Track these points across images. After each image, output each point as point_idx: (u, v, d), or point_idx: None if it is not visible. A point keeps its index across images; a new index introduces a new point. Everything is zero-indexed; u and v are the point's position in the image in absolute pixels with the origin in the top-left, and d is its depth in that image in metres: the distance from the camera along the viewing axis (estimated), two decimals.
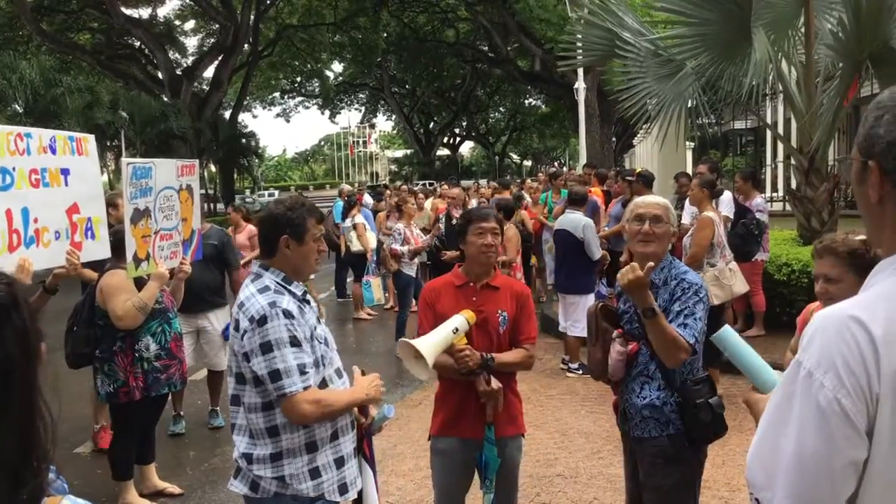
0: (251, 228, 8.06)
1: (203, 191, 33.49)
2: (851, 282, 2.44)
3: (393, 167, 77.63)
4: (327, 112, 53.42)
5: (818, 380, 1.11)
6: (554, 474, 4.84)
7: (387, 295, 11.25)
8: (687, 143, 13.56)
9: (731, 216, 7.12)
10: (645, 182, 8.47)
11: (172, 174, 4.48)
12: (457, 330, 3.01)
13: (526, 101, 48.92)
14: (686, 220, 7.00)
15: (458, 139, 61.17)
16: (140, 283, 4.36)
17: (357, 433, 2.83)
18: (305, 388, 2.50)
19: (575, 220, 7.21)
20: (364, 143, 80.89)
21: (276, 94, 49.67)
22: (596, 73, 21.08)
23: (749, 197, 7.77)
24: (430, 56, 39.65)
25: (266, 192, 53.51)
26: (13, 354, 1.01)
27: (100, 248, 4.12)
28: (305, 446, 2.60)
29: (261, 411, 2.57)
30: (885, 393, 1.09)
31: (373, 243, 10.36)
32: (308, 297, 2.75)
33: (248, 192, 53.88)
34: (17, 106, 20.71)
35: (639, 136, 17.76)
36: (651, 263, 2.81)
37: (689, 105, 8.14)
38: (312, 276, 6.93)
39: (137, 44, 34.04)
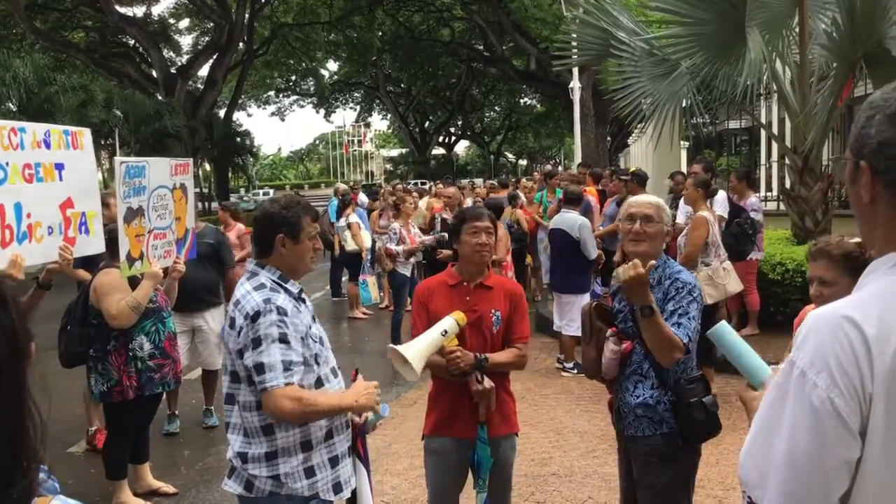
0: (240, 227, 8.05)
1: (198, 189, 33.39)
2: (846, 285, 2.44)
3: (388, 166, 77.54)
4: (322, 111, 53.35)
5: (811, 379, 1.12)
6: (549, 473, 4.84)
7: (382, 294, 11.25)
8: (682, 142, 13.56)
9: (726, 215, 7.14)
10: (639, 181, 8.49)
11: (166, 173, 4.47)
12: (445, 332, 3.00)
13: (521, 101, 48.91)
14: (681, 219, 7.01)
15: (453, 138, 61.14)
16: (134, 282, 4.35)
17: (351, 432, 2.84)
18: (287, 385, 2.48)
19: (571, 219, 7.22)
20: (359, 142, 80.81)
21: (271, 93, 49.57)
22: (591, 72, 21.12)
23: (743, 196, 7.79)
24: (425, 55, 39.62)
25: (261, 191, 53.44)
26: (1, 354, 1.01)
27: (93, 243, 4.10)
28: (300, 445, 2.60)
29: (255, 410, 2.57)
30: (878, 393, 1.09)
31: (368, 242, 10.36)
32: (303, 295, 2.75)
33: (242, 190, 53.80)
34: (10, 104, 20.62)
35: (634, 135, 17.78)
36: (653, 262, 2.82)
37: (684, 105, 8.15)
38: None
39: (132, 42, 33.96)
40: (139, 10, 33.35)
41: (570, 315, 7.09)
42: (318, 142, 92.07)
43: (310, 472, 2.61)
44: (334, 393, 2.69)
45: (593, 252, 7.18)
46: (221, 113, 37.68)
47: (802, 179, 7.95)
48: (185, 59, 35.90)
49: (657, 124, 8.09)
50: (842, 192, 11.31)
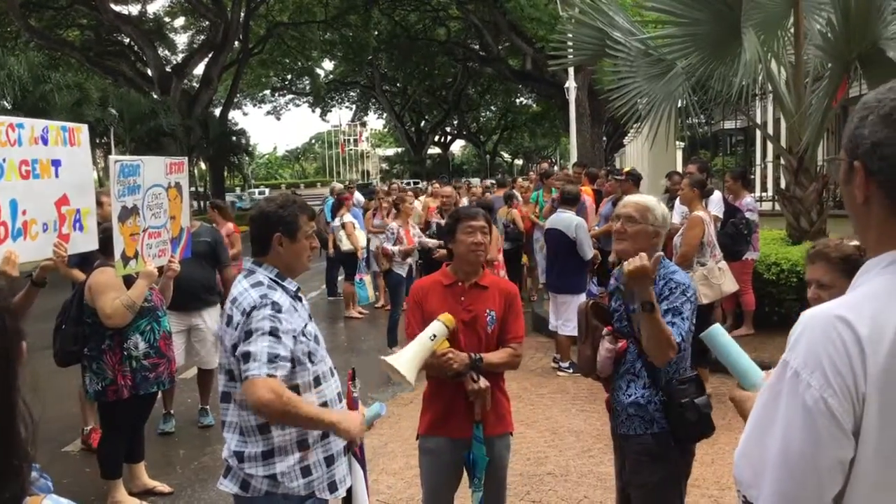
0: (229, 226, 8.04)
1: (193, 188, 33.40)
2: (844, 288, 2.42)
3: (384, 165, 77.54)
4: (318, 110, 53.39)
5: (805, 379, 1.12)
6: (544, 473, 4.85)
7: (377, 293, 11.25)
8: (677, 142, 13.59)
9: (721, 215, 7.15)
10: (634, 181, 8.51)
11: (161, 172, 4.46)
12: (434, 336, 3.00)
13: (517, 100, 48.93)
14: (676, 219, 7.02)
15: (449, 138, 61.17)
16: (129, 281, 4.34)
17: None
18: (269, 376, 2.45)
19: (567, 219, 7.22)
20: (355, 141, 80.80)
21: (267, 92, 49.56)
22: (587, 72, 21.12)
23: (739, 196, 7.80)
24: (421, 54, 39.61)
25: (256, 190, 53.38)
26: None
27: (87, 240, 4.08)
28: (297, 444, 2.60)
29: (252, 408, 2.56)
30: (871, 393, 1.09)
31: (362, 241, 10.35)
32: (300, 294, 2.75)
33: (238, 189, 53.74)
34: (5, 102, 20.58)
35: (629, 135, 17.81)
36: (660, 253, 2.85)
37: (679, 105, 8.17)
38: None
39: (127, 40, 33.89)
40: (134, 9, 33.32)
41: (566, 315, 7.10)
42: (313, 141, 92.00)
43: (306, 471, 2.61)
44: (320, 409, 2.61)
45: (589, 252, 7.19)
46: (217, 112, 37.64)
47: (797, 180, 7.97)
48: (180, 57, 35.84)
49: (653, 124, 8.10)
50: (836, 193, 11.33)
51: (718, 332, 2.03)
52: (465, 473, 3.26)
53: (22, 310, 3.85)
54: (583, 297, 6.89)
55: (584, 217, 8.01)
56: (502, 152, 67.95)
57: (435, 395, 3.24)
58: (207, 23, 33.10)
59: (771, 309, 7.41)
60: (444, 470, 3.25)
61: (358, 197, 13.96)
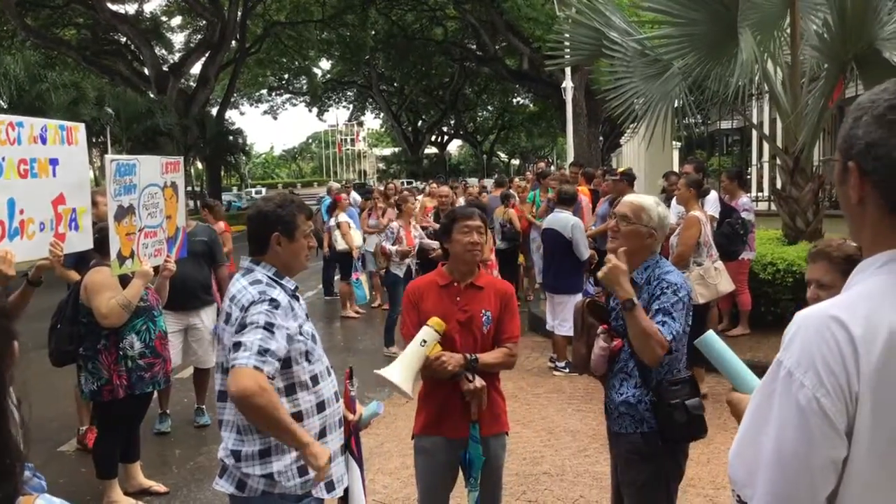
0: (220, 225, 8.04)
1: (189, 188, 33.36)
2: None
3: (381, 165, 77.52)
4: (315, 109, 53.40)
5: (798, 379, 1.12)
6: (540, 472, 4.85)
7: (374, 293, 11.24)
8: (673, 142, 13.61)
9: (717, 215, 7.17)
10: (628, 181, 8.53)
11: (157, 171, 4.46)
12: (424, 342, 3.00)
13: (514, 100, 48.97)
14: (673, 219, 7.02)
15: (445, 137, 61.17)
16: (125, 280, 4.34)
17: (345, 430, 2.83)
18: (256, 368, 2.42)
19: (563, 219, 7.22)
20: (352, 140, 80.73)
21: (264, 92, 49.49)
22: (583, 72, 21.13)
23: (735, 196, 7.82)
24: (418, 54, 39.62)
25: (253, 190, 53.35)
26: None
27: (83, 240, 4.07)
28: None
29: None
30: (864, 392, 1.10)
31: (358, 241, 10.35)
32: (298, 293, 2.74)
33: (235, 189, 53.71)
34: (1, 102, 20.53)
35: (626, 135, 17.82)
36: (624, 248, 2.86)
37: (676, 105, 8.17)
38: None
39: (123, 40, 33.83)
40: (131, 8, 33.29)
41: (562, 315, 7.11)
42: (310, 140, 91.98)
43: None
44: (300, 427, 2.53)
45: (585, 252, 7.19)
46: (214, 111, 37.62)
47: (793, 180, 7.98)
48: (177, 56, 35.81)
49: (649, 124, 8.12)
50: (832, 193, 11.36)
51: (713, 339, 2.02)
52: (460, 473, 3.26)
53: (17, 309, 3.85)
54: (579, 297, 6.90)
55: (579, 217, 8.02)
56: (499, 152, 67.98)
57: (430, 395, 3.23)
58: (204, 22, 33.06)
59: (767, 309, 7.42)
60: (439, 470, 3.25)
61: (355, 196, 13.96)
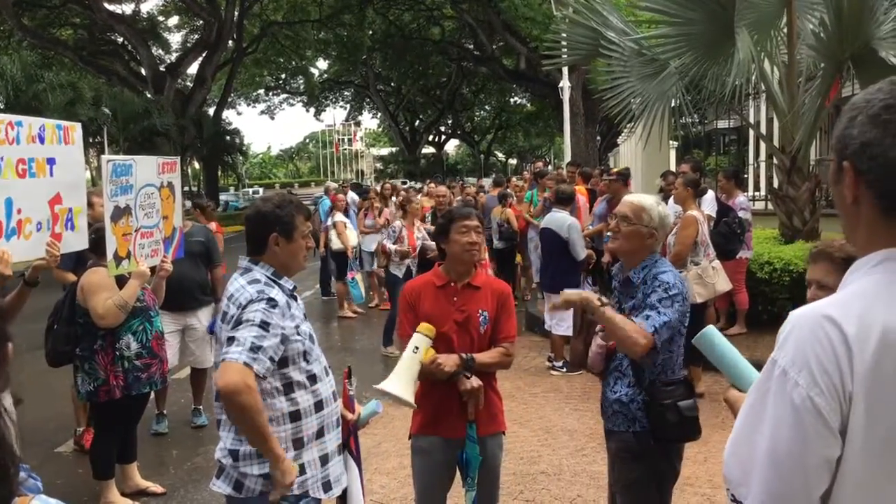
0: (212, 226, 8.02)
1: (187, 188, 33.33)
2: None
3: (378, 165, 77.43)
4: (312, 109, 53.31)
5: (792, 378, 1.13)
6: (538, 472, 4.85)
7: (371, 293, 11.24)
8: (671, 142, 13.60)
9: (714, 215, 7.17)
10: (623, 181, 8.54)
11: (153, 171, 4.45)
12: (417, 349, 3.00)
13: (511, 100, 48.97)
14: (670, 218, 7.03)
15: (443, 137, 61.15)
16: (121, 281, 4.33)
17: (343, 429, 2.83)
18: (246, 364, 2.41)
19: (560, 219, 7.22)
20: (349, 140, 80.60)
21: (261, 91, 49.48)
22: (581, 72, 21.16)
23: (732, 196, 7.83)
24: (415, 54, 39.61)
25: (251, 190, 53.31)
26: None
27: (78, 239, 4.06)
28: (292, 442, 2.59)
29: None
30: (858, 392, 1.10)
31: (353, 241, 10.34)
32: (296, 292, 2.74)
33: (232, 189, 53.67)
34: None
35: (623, 134, 17.83)
36: (561, 297, 2.96)
37: (673, 104, 8.18)
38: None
39: (120, 40, 33.83)
40: (128, 8, 33.28)
41: (559, 314, 7.10)
42: (308, 140, 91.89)
43: (301, 470, 2.60)
44: (276, 440, 2.51)
45: (582, 252, 7.18)
46: (211, 111, 37.62)
47: (790, 179, 8.00)
48: (174, 56, 35.82)
49: (646, 124, 8.12)
50: (829, 192, 11.39)
51: (712, 334, 1.98)
52: (457, 473, 3.26)
53: (14, 309, 3.84)
54: None
55: (576, 216, 8.03)
56: (496, 152, 67.99)
57: (427, 395, 3.23)
58: (201, 22, 33.03)
59: (763, 308, 7.43)
60: (436, 470, 3.25)
61: (352, 196, 13.95)
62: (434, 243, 8.30)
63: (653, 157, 12.88)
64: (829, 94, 7.52)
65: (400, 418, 5.75)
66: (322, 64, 46.84)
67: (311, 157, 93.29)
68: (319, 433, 2.66)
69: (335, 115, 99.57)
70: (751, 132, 18.00)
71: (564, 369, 7.04)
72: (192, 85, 33.97)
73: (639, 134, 8.74)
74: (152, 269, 4.52)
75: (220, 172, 41.98)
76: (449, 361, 3.04)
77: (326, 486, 2.69)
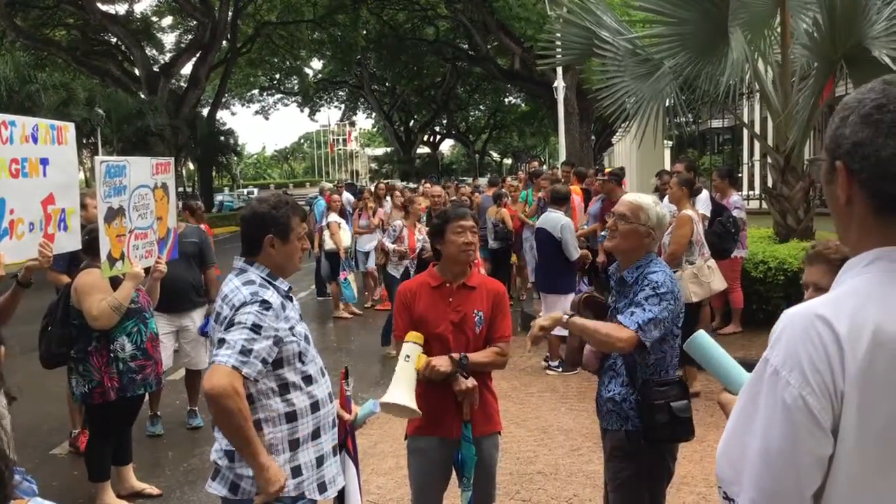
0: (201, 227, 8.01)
1: (181, 189, 33.27)
2: None
3: (373, 165, 77.37)
4: (307, 110, 53.24)
5: (784, 377, 1.13)
6: (534, 471, 4.86)
7: (366, 293, 11.24)
8: (665, 141, 13.64)
9: (708, 214, 7.19)
10: (616, 181, 8.56)
11: (147, 172, 4.44)
12: (409, 357, 3.01)
13: (506, 100, 48.95)
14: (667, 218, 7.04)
15: (438, 137, 61.10)
16: (115, 282, 4.32)
17: (340, 429, 2.83)
18: (235, 368, 2.41)
19: (554, 219, 7.22)
20: (344, 140, 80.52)
21: (255, 92, 49.41)
22: (575, 71, 21.14)
23: (726, 195, 7.85)
24: (409, 54, 39.54)
25: (245, 190, 53.21)
26: None
27: (71, 240, 4.05)
28: (288, 443, 2.59)
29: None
30: (849, 391, 1.10)
31: (346, 242, 10.33)
32: (291, 293, 2.73)
33: (226, 189, 53.57)
34: None
35: (617, 134, 17.86)
36: (533, 332, 3.00)
37: (667, 104, 8.19)
38: None
39: (114, 40, 33.73)
40: (121, 8, 33.16)
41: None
42: (302, 140, 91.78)
43: (296, 472, 2.59)
44: (263, 448, 2.50)
45: (574, 253, 7.15)
46: (205, 111, 37.50)
47: (784, 178, 8.02)
48: (167, 57, 35.71)
49: (640, 123, 8.13)
50: (822, 191, 11.42)
51: (702, 339, 1.96)
52: (454, 473, 3.26)
53: (7, 311, 3.83)
54: (571, 297, 6.91)
55: (570, 216, 8.04)
56: (491, 152, 67.94)
57: (423, 395, 3.22)
58: (195, 22, 32.96)
59: (758, 306, 7.45)
60: (432, 470, 3.25)
61: (347, 197, 13.94)
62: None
63: (647, 157, 12.93)
64: (822, 93, 7.55)
65: (395, 419, 5.74)
66: (316, 64, 46.85)
67: (305, 158, 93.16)
68: (315, 434, 2.66)
69: (330, 115, 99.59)
70: (745, 131, 18.06)
71: (560, 369, 7.05)
72: (185, 85, 33.86)
73: (633, 133, 8.76)
74: (146, 270, 4.51)
75: (214, 173, 41.89)
76: (443, 363, 3.04)
77: (322, 488, 2.69)
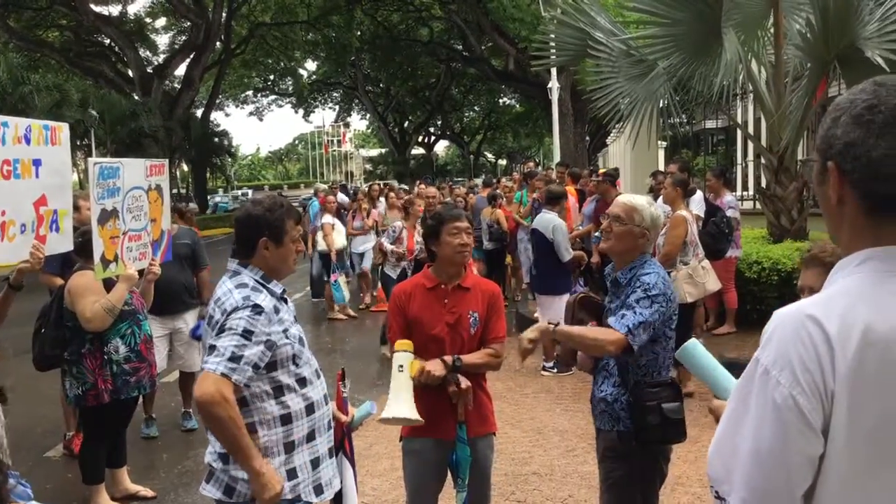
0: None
1: (175, 190, 33.19)
2: None
3: (368, 166, 77.31)
4: (301, 111, 53.14)
5: (774, 377, 1.14)
6: (529, 472, 4.86)
7: (361, 294, 11.23)
8: (659, 142, 13.66)
9: (702, 214, 7.20)
10: (610, 182, 8.57)
11: (141, 174, 4.43)
12: (402, 367, 3.01)
13: (500, 101, 49.00)
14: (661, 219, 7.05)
15: (432, 138, 61.09)
16: (109, 284, 4.31)
17: (337, 431, 2.82)
18: (224, 375, 2.41)
19: (546, 220, 7.21)
20: (339, 142, 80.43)
21: (249, 93, 49.31)
22: (569, 72, 21.20)
23: (720, 195, 7.87)
24: (404, 55, 39.55)
25: (240, 192, 53.12)
26: None
27: (63, 242, 4.03)
28: (283, 446, 2.58)
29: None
30: (839, 391, 1.11)
31: (339, 243, 10.32)
32: (285, 295, 2.73)
33: (221, 191, 53.49)
34: None
35: (612, 135, 17.88)
36: (523, 344, 2.97)
37: (661, 105, 8.21)
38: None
39: (107, 41, 33.64)
40: (115, 9, 33.08)
41: (550, 315, 7.10)
42: (297, 142, 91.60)
43: (292, 474, 2.59)
44: (257, 452, 2.49)
45: (566, 254, 7.11)
46: (199, 113, 37.44)
47: (778, 178, 8.04)
48: (161, 58, 35.67)
49: (635, 124, 8.15)
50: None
51: (694, 348, 1.95)
52: (449, 474, 3.26)
53: None
54: (566, 298, 6.89)
55: (564, 217, 8.04)
56: (486, 152, 67.99)
57: (418, 397, 3.22)
58: (189, 23, 32.88)
59: (752, 307, 7.47)
60: (427, 471, 3.25)
61: (342, 198, 13.93)
62: None
63: (641, 158, 12.94)
64: (815, 93, 7.58)
65: None
66: (310, 65, 46.79)
67: (300, 159, 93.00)
68: (310, 436, 2.65)
69: (324, 116, 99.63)
70: (738, 132, 18.10)
71: (555, 370, 7.05)
72: (179, 87, 33.81)
73: (627, 134, 8.78)
74: (140, 272, 4.49)
75: (208, 174, 41.83)
76: (436, 367, 3.03)
77: (318, 490, 2.68)
